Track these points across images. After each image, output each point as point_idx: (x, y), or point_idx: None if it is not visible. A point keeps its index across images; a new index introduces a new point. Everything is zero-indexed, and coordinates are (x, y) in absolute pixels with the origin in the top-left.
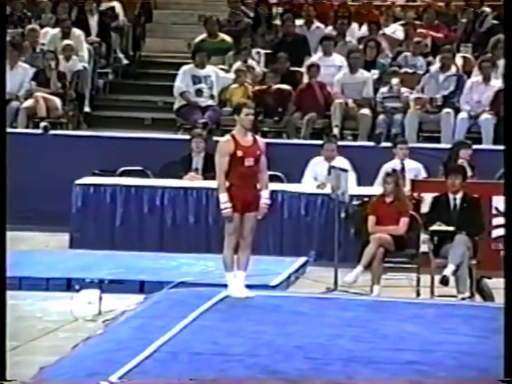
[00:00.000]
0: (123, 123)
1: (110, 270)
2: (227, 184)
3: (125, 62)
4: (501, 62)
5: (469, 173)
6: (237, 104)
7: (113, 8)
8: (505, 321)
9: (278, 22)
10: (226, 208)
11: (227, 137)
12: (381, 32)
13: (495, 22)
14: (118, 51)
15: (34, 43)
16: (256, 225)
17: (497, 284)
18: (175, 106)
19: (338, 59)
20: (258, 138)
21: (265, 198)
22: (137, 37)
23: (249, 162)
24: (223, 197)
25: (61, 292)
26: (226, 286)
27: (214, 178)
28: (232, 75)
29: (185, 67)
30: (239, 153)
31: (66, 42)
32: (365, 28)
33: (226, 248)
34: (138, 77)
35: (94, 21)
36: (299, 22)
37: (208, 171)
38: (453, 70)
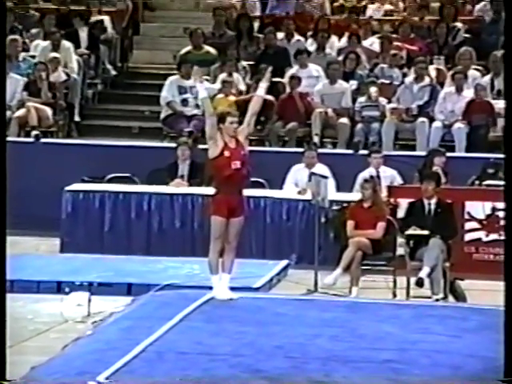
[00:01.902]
0: (112, 132)
1: (98, 273)
2: (214, 190)
3: (113, 72)
4: (470, 73)
5: (443, 179)
6: (221, 113)
7: (101, 21)
8: (505, 320)
9: (259, 35)
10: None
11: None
12: (359, 45)
13: (467, 35)
14: (107, 62)
15: (17, 53)
16: (241, 229)
17: (469, 285)
18: (162, 116)
19: (314, 70)
20: (239, 139)
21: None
22: (125, 49)
23: (235, 164)
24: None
25: (51, 294)
26: (210, 288)
27: (199, 185)
28: (217, 86)
29: (171, 78)
30: (226, 153)
31: (53, 54)
32: (344, 40)
33: (212, 252)
34: (126, 87)
35: (83, 33)
36: (280, 35)
37: (193, 178)
38: (426, 80)
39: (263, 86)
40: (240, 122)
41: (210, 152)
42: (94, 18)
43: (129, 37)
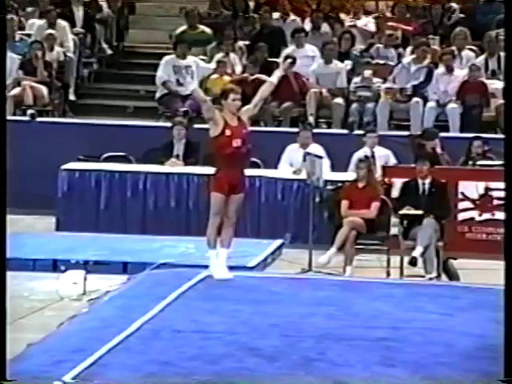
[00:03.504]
0: (107, 111)
1: (94, 252)
2: (215, 168)
3: (109, 52)
4: (464, 53)
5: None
6: (224, 89)
7: (97, 0)
8: (505, 320)
9: (254, 14)
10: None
11: (217, 114)
12: (353, 24)
13: (462, 15)
14: (103, 42)
15: (13, 32)
16: (241, 206)
17: (462, 264)
18: (157, 95)
19: (310, 50)
20: (241, 116)
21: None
22: (120, 28)
23: (236, 142)
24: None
25: (47, 272)
26: (206, 266)
27: (194, 164)
28: (212, 65)
29: (166, 57)
30: (228, 132)
31: (49, 31)
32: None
33: (210, 226)
34: (122, 66)
35: (79, 12)
36: (276, 14)
37: (189, 157)
38: (425, 61)
39: (278, 74)
40: (242, 99)
41: (211, 131)
42: None
43: (124, 16)
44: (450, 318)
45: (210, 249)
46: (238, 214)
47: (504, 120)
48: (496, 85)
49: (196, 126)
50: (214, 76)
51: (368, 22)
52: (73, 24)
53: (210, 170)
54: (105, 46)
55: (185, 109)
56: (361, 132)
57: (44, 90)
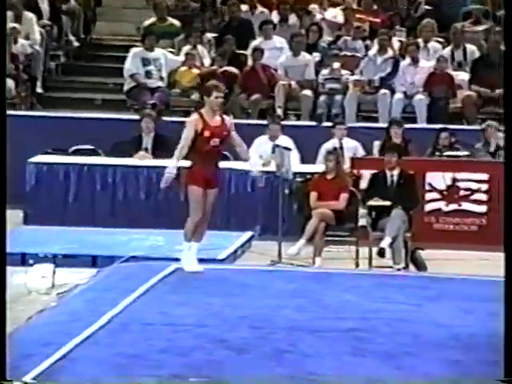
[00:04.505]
0: (75, 104)
1: (63, 245)
2: (190, 162)
3: (76, 44)
4: (431, 45)
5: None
6: (207, 86)
7: None
8: (505, 320)
9: (223, 6)
10: (168, 173)
11: (195, 115)
12: (321, 16)
13: (428, 7)
14: (70, 34)
15: None
16: (215, 201)
17: (429, 255)
18: (125, 88)
19: (278, 42)
20: (226, 117)
21: (253, 166)
22: (87, 20)
23: (214, 142)
24: (173, 162)
25: (16, 266)
26: (175, 259)
27: (163, 157)
28: (181, 58)
29: (135, 50)
30: (206, 133)
31: (12, 25)
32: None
33: (191, 221)
34: (89, 59)
35: (45, 4)
36: (244, 7)
37: (158, 150)
38: (389, 53)
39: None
40: (225, 96)
41: (187, 132)
42: None
43: (91, 8)
44: (418, 309)
45: (185, 241)
46: (212, 208)
47: (504, 120)
48: (462, 76)
49: (165, 118)
50: (183, 68)
51: (336, 14)
52: (39, 16)
53: (179, 163)
54: (72, 38)
55: (153, 101)
56: (329, 124)
57: (11, 83)
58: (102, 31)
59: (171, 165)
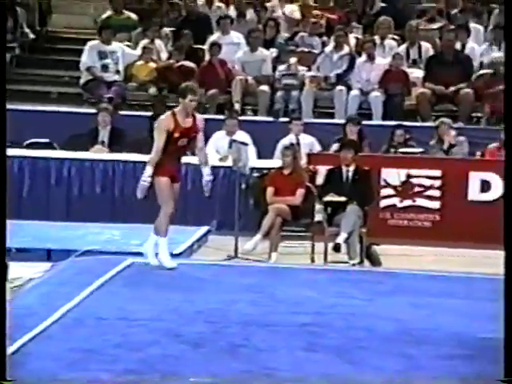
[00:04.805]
0: (30, 97)
1: (17, 239)
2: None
3: (31, 36)
4: (387, 42)
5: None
6: (182, 88)
7: None
8: (505, 320)
9: (180, 1)
10: (145, 181)
11: (168, 113)
12: (278, 12)
13: (384, 5)
14: (25, 26)
15: None
16: (177, 195)
17: (384, 250)
18: (81, 81)
19: (235, 37)
20: (198, 116)
21: (207, 175)
22: (43, 12)
23: (182, 142)
24: (149, 169)
25: None
26: (131, 253)
27: (119, 151)
28: (138, 52)
29: (91, 43)
30: (176, 134)
31: None
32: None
33: (164, 215)
34: (45, 52)
35: None
36: (201, 1)
37: (114, 144)
38: (346, 49)
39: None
40: (172, 90)
41: (160, 137)
42: None
43: (47, 1)
44: (372, 303)
45: (160, 237)
46: (175, 203)
47: (504, 120)
48: (416, 73)
49: (121, 112)
50: (140, 62)
51: (293, 10)
52: None
53: (136, 157)
54: (27, 30)
55: (110, 95)
56: (286, 119)
57: None
58: (57, 24)
59: (146, 173)
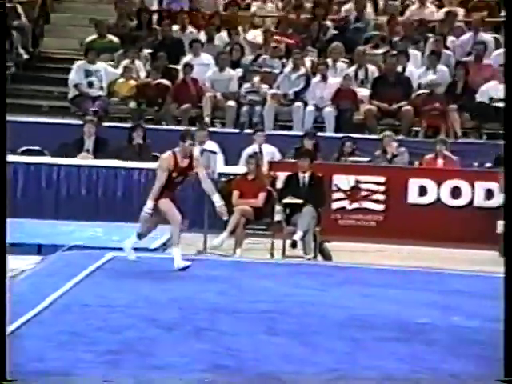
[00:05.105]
0: (24, 110)
1: (11, 235)
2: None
3: (25, 56)
4: (339, 64)
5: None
6: (183, 132)
7: (15, 8)
8: (505, 319)
9: (157, 26)
10: (146, 213)
11: (169, 153)
12: (243, 37)
13: (335, 32)
14: (20, 48)
15: None
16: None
17: (335, 246)
18: (69, 96)
19: (206, 58)
20: (194, 156)
21: (217, 202)
22: (36, 36)
23: (178, 179)
24: (150, 203)
25: None
26: (112, 248)
27: (103, 158)
28: (119, 71)
29: (78, 62)
30: (174, 174)
31: None
32: (231, 33)
33: (175, 225)
34: (37, 70)
35: None
36: (175, 27)
37: (98, 152)
38: (302, 70)
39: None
40: (150, 104)
41: (162, 175)
42: (7, 5)
43: (40, 25)
44: (324, 293)
45: (174, 247)
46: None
47: (504, 120)
48: (364, 92)
49: (105, 124)
50: (121, 80)
51: (256, 36)
52: None
53: (117, 163)
54: (22, 51)
55: (95, 109)
56: (250, 131)
57: None
58: (49, 46)
59: (148, 206)
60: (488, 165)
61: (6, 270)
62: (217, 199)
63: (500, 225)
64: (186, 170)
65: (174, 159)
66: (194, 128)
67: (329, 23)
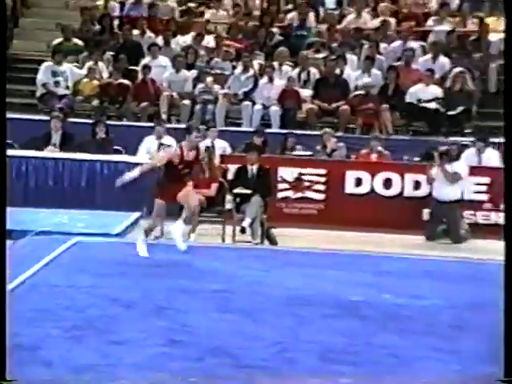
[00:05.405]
0: None
1: None
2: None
3: None
4: (284, 67)
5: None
6: (188, 125)
7: None
8: (505, 319)
9: (118, 31)
10: (128, 177)
11: (177, 147)
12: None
13: (281, 38)
14: None
15: None
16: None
17: (280, 232)
18: (37, 94)
19: (163, 61)
20: (201, 149)
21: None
22: (6, 38)
23: (185, 171)
24: (135, 172)
25: None
26: (76, 234)
27: (68, 151)
28: (84, 71)
29: (46, 63)
30: (181, 166)
31: None
32: (186, 37)
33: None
34: (8, 70)
35: None
36: (135, 31)
37: (64, 145)
38: (251, 72)
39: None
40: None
41: (160, 160)
42: None
43: (9, 29)
44: (270, 274)
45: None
46: None
47: (504, 122)
48: (306, 93)
49: (70, 119)
50: (85, 80)
51: (209, 40)
52: None
53: (82, 156)
54: None
55: (61, 106)
56: (204, 127)
57: None
58: (19, 47)
59: (132, 173)
60: (416, 159)
61: (6, 271)
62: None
63: (425, 213)
64: (192, 162)
65: (180, 153)
66: (191, 122)
67: (275, 30)
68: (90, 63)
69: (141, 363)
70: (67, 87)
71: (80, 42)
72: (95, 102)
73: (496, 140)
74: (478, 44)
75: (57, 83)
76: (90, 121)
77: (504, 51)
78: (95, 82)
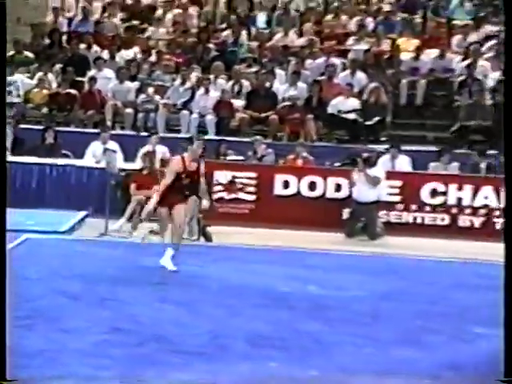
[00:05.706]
0: None
1: None
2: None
3: None
4: (219, 80)
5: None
6: (191, 136)
7: None
8: (505, 319)
9: (66, 45)
10: (149, 210)
11: (179, 157)
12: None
13: (216, 53)
14: None
15: None
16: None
17: (214, 230)
18: None
19: (108, 73)
20: (202, 162)
21: (205, 203)
22: None
23: (186, 181)
24: (156, 198)
25: None
26: (26, 231)
27: (19, 155)
28: (34, 82)
29: None
30: (183, 176)
31: None
32: (130, 52)
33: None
34: None
35: None
36: (82, 46)
37: (15, 149)
38: (189, 84)
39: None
40: (60, 110)
41: (169, 178)
42: None
43: None
44: (206, 268)
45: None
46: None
47: (504, 123)
48: (239, 103)
49: (21, 126)
50: (35, 90)
51: (151, 54)
52: None
53: (32, 159)
54: None
55: (12, 113)
56: (145, 134)
57: None
58: None
59: (153, 201)
60: (337, 164)
61: (6, 271)
62: (204, 202)
63: (346, 212)
64: (194, 173)
65: (182, 163)
66: (193, 134)
67: (211, 46)
68: (40, 74)
69: (85, 350)
70: (18, 96)
71: (31, 55)
72: (45, 110)
73: (407, 147)
74: (390, 62)
75: (9, 92)
76: (40, 127)
77: (504, 52)
78: (45, 92)
